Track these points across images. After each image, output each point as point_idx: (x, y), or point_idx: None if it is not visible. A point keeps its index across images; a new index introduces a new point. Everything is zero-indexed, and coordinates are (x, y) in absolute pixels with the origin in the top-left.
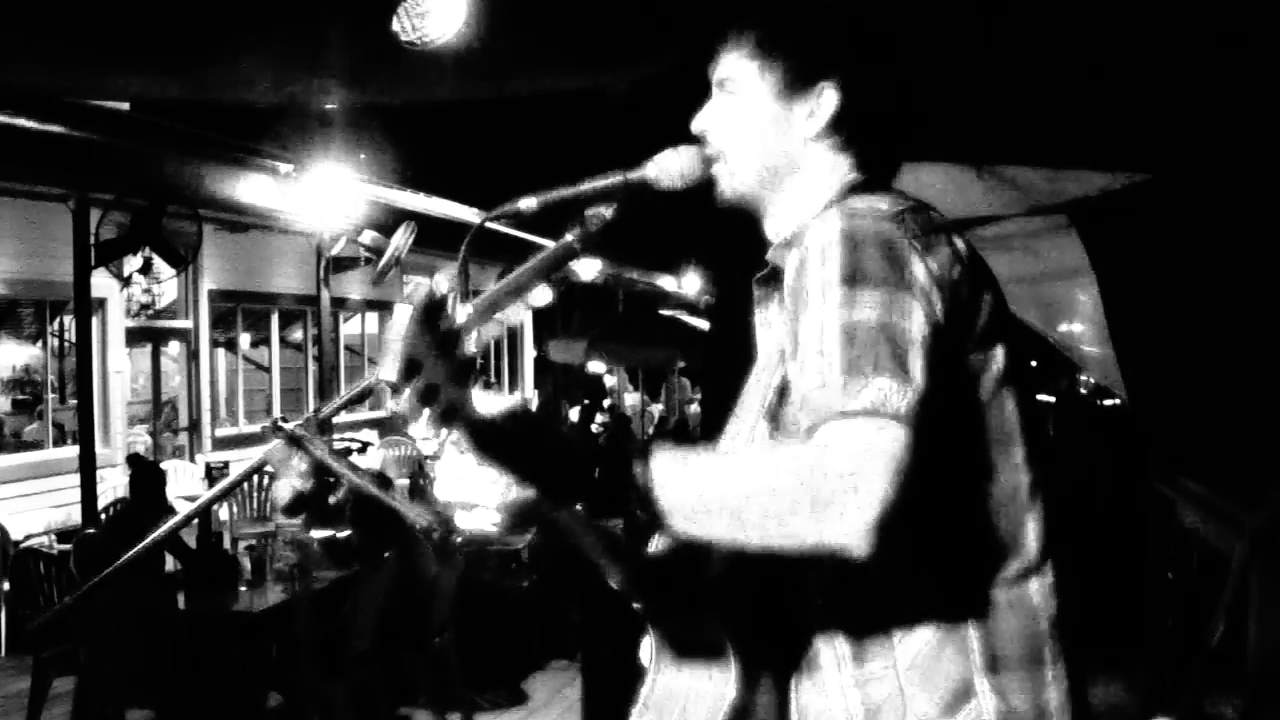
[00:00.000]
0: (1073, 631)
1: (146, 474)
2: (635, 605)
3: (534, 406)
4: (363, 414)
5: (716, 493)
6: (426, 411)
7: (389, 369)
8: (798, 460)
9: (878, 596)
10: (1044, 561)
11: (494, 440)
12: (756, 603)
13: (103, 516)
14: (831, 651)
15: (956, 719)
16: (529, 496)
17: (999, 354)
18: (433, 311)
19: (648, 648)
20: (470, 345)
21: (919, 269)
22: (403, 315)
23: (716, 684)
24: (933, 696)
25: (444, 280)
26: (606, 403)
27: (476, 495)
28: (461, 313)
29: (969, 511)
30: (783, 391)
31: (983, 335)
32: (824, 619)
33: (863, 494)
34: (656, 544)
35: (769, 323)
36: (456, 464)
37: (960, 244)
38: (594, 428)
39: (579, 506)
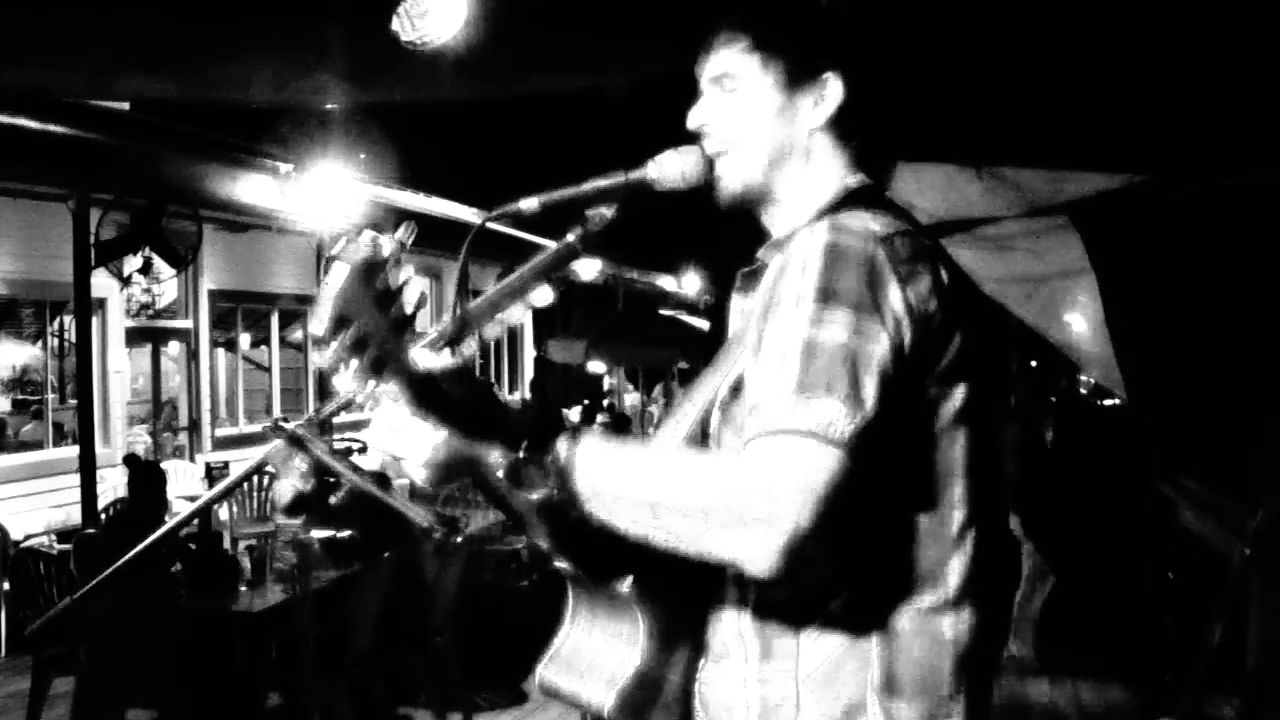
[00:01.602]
0: (982, 672)
1: (145, 474)
2: (556, 563)
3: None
4: (363, 414)
5: (638, 488)
6: (354, 363)
7: (317, 323)
8: (725, 474)
9: (790, 601)
10: (963, 598)
11: (429, 395)
12: (674, 579)
13: (103, 516)
14: (740, 644)
15: None
16: (456, 453)
17: (960, 392)
18: (370, 270)
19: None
20: (409, 302)
21: (895, 296)
22: (338, 273)
23: (622, 649)
24: (825, 708)
25: (386, 241)
26: (605, 402)
27: (407, 445)
28: (402, 272)
29: (893, 539)
30: (736, 387)
31: (946, 371)
32: (737, 611)
33: (777, 520)
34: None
35: (743, 312)
36: (391, 414)
37: (944, 276)
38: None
39: (500, 474)
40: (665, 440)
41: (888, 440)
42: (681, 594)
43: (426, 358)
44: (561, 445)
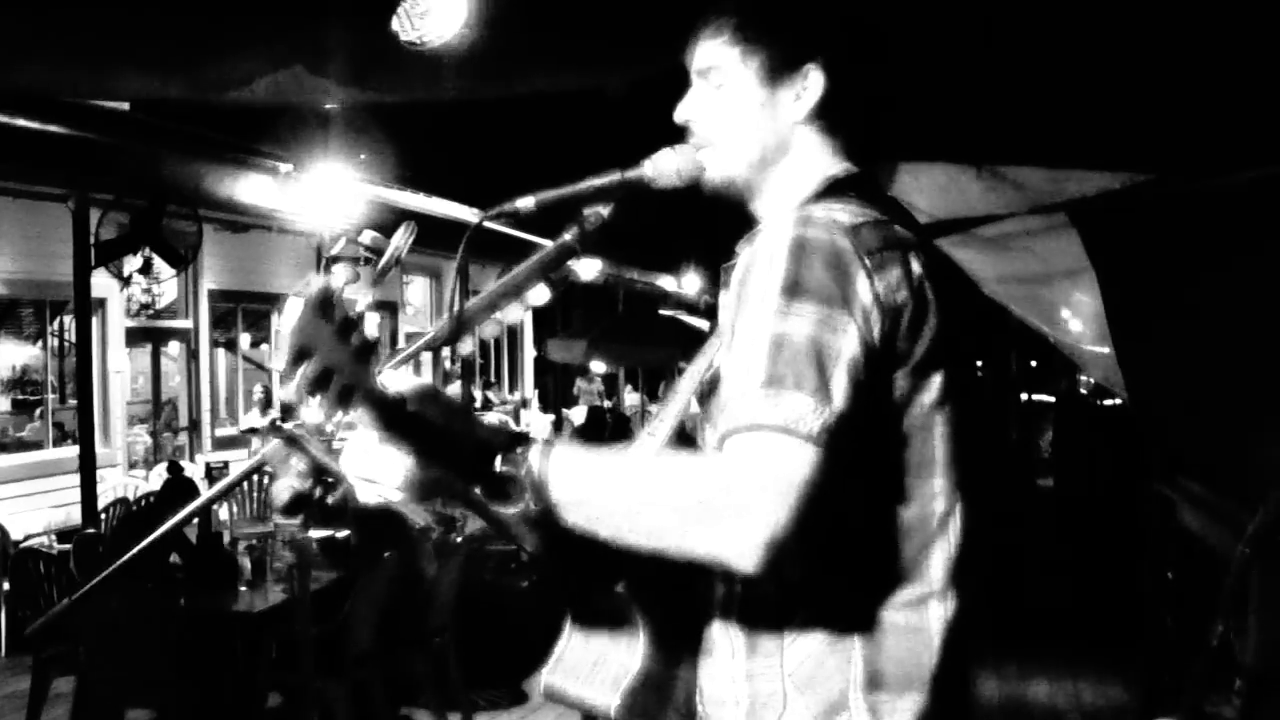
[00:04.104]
0: (965, 661)
1: (180, 486)
2: (549, 572)
3: (534, 406)
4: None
5: (614, 495)
6: (319, 395)
7: (278, 358)
8: (700, 473)
9: (772, 598)
10: (947, 590)
11: (397, 419)
12: (668, 579)
13: (103, 517)
14: (727, 639)
15: None
16: (431, 473)
17: (936, 382)
18: (325, 302)
19: (565, 613)
20: (371, 329)
21: (863, 287)
22: (294, 308)
23: (622, 653)
24: (809, 703)
25: (339, 271)
26: (607, 404)
27: (382, 468)
28: (360, 300)
29: (874, 532)
30: (713, 382)
31: (921, 362)
32: (724, 608)
33: (755, 516)
34: None
35: (725, 307)
36: (362, 440)
37: (915, 266)
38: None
39: (477, 489)
40: (651, 438)
41: (862, 432)
42: (677, 594)
43: (396, 381)
44: (534, 457)
